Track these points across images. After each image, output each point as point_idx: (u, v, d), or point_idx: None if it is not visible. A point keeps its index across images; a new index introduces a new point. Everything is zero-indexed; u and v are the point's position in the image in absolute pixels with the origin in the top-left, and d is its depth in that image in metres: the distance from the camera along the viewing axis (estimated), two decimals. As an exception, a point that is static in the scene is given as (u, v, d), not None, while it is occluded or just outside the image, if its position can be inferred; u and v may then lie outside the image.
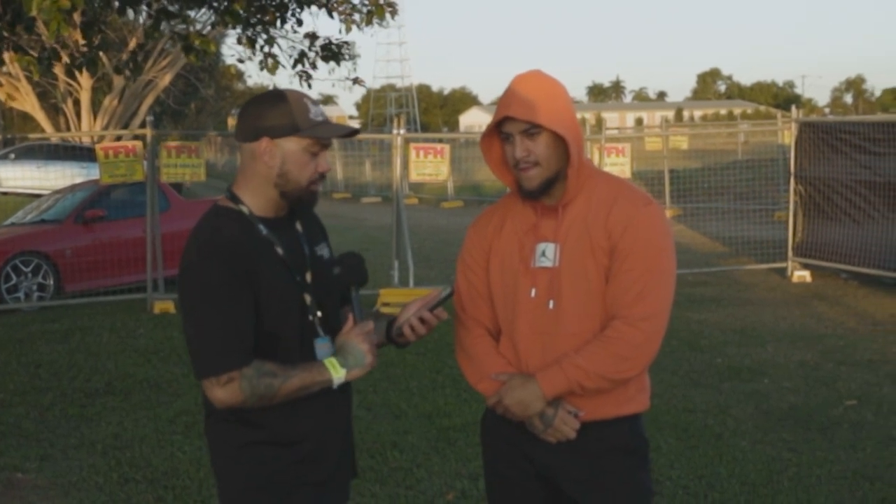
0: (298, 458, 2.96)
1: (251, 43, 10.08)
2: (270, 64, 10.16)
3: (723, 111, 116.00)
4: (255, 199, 2.96)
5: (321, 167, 2.98)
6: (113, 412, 7.75)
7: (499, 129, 3.09)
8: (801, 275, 13.87)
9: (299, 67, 10.45)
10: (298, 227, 3.05)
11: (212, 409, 2.96)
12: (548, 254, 3.09)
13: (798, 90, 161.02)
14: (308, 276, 2.99)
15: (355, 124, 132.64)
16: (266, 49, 10.23)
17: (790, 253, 14.29)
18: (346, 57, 10.56)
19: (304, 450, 2.97)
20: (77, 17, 8.66)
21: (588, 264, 3.04)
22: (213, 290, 2.81)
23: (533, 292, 3.09)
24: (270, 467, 2.94)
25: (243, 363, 2.80)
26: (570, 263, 3.05)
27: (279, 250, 2.92)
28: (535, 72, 3.10)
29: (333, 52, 10.40)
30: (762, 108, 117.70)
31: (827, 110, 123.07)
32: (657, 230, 3.05)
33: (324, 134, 2.94)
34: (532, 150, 3.01)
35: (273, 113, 2.91)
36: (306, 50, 10.51)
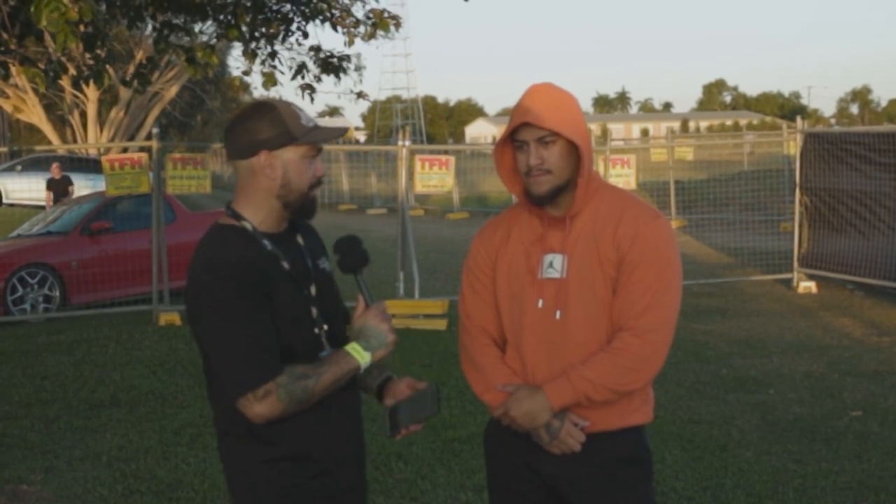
0: (316, 472, 2.94)
1: (252, 56, 10.09)
2: (267, 77, 10.15)
3: (728, 122, 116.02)
4: (257, 214, 2.93)
5: (318, 171, 2.97)
6: (118, 424, 7.76)
7: (512, 138, 3.11)
8: (807, 286, 13.86)
9: (300, 80, 10.44)
10: (300, 240, 3.04)
11: (228, 429, 2.93)
12: (555, 265, 3.10)
13: (804, 101, 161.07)
14: (313, 289, 2.98)
15: (361, 136, 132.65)
16: (268, 62, 10.23)
17: (796, 264, 14.28)
18: (346, 71, 10.53)
19: (321, 463, 2.95)
20: (83, 28, 8.69)
21: (596, 276, 3.06)
22: (231, 308, 2.77)
23: (540, 303, 3.10)
24: (287, 483, 2.91)
25: (276, 373, 2.76)
26: (577, 275, 3.07)
27: (285, 264, 2.90)
28: (548, 83, 3.13)
29: (333, 66, 10.39)
30: (768, 118, 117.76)
31: (833, 121, 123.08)
32: (665, 243, 3.08)
33: (320, 138, 2.93)
34: (546, 159, 3.04)
35: (266, 125, 2.88)
36: (308, 62, 10.51)
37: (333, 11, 10.18)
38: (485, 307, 3.24)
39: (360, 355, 2.88)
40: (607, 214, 3.10)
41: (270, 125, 2.88)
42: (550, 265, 3.11)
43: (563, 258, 3.10)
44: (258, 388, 2.74)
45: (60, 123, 40.34)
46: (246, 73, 11.19)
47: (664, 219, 3.14)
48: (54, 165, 21.57)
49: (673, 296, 3.07)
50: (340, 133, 3.10)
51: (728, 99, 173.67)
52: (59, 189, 20.93)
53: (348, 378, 2.89)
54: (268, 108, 2.91)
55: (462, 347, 3.29)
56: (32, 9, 6.01)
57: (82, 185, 21.98)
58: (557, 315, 3.08)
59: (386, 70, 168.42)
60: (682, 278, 3.14)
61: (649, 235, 3.06)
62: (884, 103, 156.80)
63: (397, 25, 10.35)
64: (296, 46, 10.80)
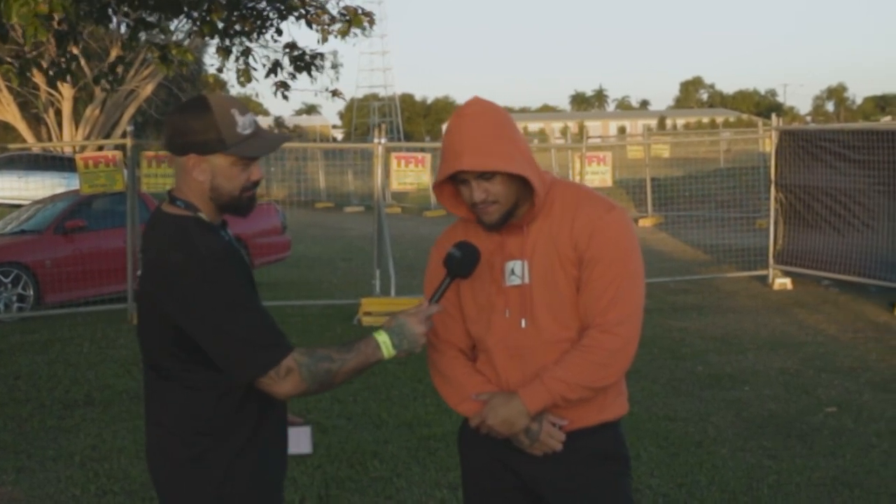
0: (269, 484, 2.97)
1: (226, 53, 10.05)
2: (242, 73, 10.12)
3: (705, 119, 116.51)
4: (202, 208, 2.88)
5: (253, 176, 2.89)
6: (92, 423, 7.70)
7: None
8: (783, 282, 13.93)
9: (274, 78, 10.40)
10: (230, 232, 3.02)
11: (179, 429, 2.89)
12: (517, 271, 3.07)
13: (780, 98, 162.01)
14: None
15: (338, 134, 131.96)
16: (241, 59, 10.20)
17: (771, 260, 14.35)
18: (319, 68, 10.50)
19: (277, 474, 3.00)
20: (56, 26, 8.63)
21: (558, 277, 3.03)
22: (235, 293, 2.75)
23: (507, 313, 3.07)
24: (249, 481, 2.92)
25: (290, 349, 2.76)
26: (540, 278, 3.04)
27: (245, 256, 2.91)
28: (475, 106, 3.02)
29: (307, 63, 10.35)
30: (744, 116, 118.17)
31: (809, 118, 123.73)
32: (622, 235, 3.04)
33: (251, 152, 2.84)
34: (490, 191, 2.98)
35: (198, 127, 2.78)
36: (281, 60, 10.48)
37: (308, 8, 10.15)
38: (450, 321, 3.18)
39: (387, 350, 2.87)
40: (561, 212, 3.05)
41: (202, 128, 2.78)
42: (512, 272, 3.08)
43: (523, 264, 3.06)
44: (279, 365, 2.74)
45: (35, 121, 39.97)
46: (220, 70, 11.16)
47: (620, 210, 3.09)
48: None
49: (637, 287, 3.04)
50: (278, 144, 2.98)
51: (705, 97, 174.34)
52: None
53: (370, 368, 2.89)
54: (203, 108, 2.80)
55: (431, 364, 3.23)
56: (2, 6, 5.96)
57: (57, 184, 21.80)
58: (523, 324, 3.05)
59: (363, 68, 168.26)
60: (652, 272, 3.12)
61: (606, 229, 3.02)
62: (859, 101, 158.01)
63: (371, 22, 10.32)
64: (271, 44, 10.77)
